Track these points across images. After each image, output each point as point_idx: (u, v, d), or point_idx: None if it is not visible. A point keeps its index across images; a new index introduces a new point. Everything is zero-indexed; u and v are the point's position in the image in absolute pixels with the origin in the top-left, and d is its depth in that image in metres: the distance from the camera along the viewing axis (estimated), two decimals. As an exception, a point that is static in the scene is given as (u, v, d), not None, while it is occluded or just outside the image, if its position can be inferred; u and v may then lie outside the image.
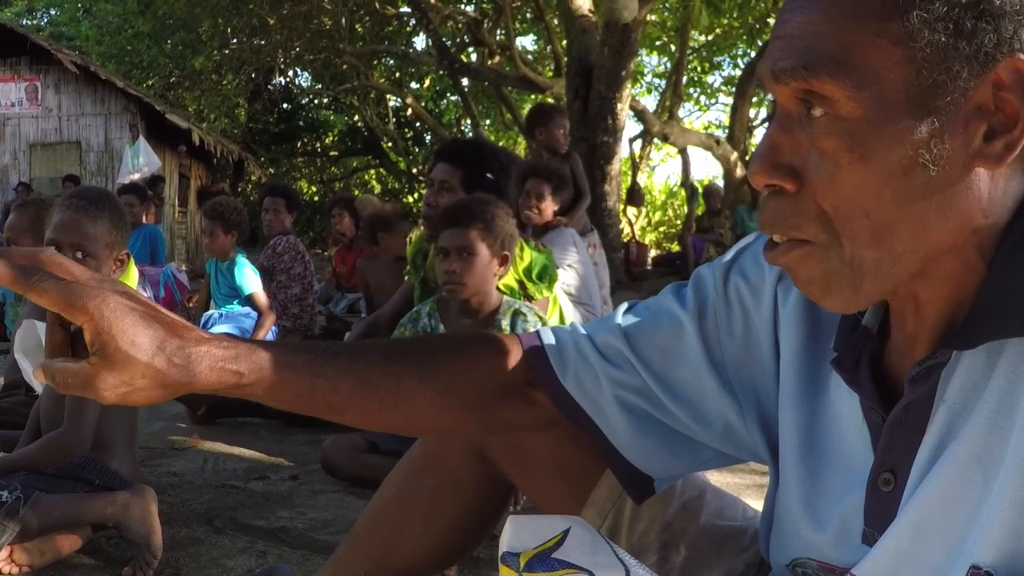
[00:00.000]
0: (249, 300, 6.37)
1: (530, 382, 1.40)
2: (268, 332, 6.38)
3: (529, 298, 3.84)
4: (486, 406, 1.40)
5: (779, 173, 1.02)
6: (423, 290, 4.23)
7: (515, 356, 1.41)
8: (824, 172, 0.98)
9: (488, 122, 28.25)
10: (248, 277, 6.38)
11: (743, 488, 3.54)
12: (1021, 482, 0.94)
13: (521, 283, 3.88)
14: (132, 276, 4.04)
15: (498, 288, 3.51)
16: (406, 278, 4.64)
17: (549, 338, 1.43)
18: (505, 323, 3.37)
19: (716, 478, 3.48)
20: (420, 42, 25.32)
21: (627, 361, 1.38)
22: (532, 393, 1.41)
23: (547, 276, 4.00)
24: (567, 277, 6.22)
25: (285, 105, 31.98)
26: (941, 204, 0.96)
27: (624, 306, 1.46)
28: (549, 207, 6.03)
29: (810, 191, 1.00)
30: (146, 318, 1.12)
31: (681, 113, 23.66)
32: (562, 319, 4.06)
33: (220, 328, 6.39)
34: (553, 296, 4.05)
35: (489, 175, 4.04)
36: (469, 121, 27.33)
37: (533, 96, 24.32)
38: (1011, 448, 0.95)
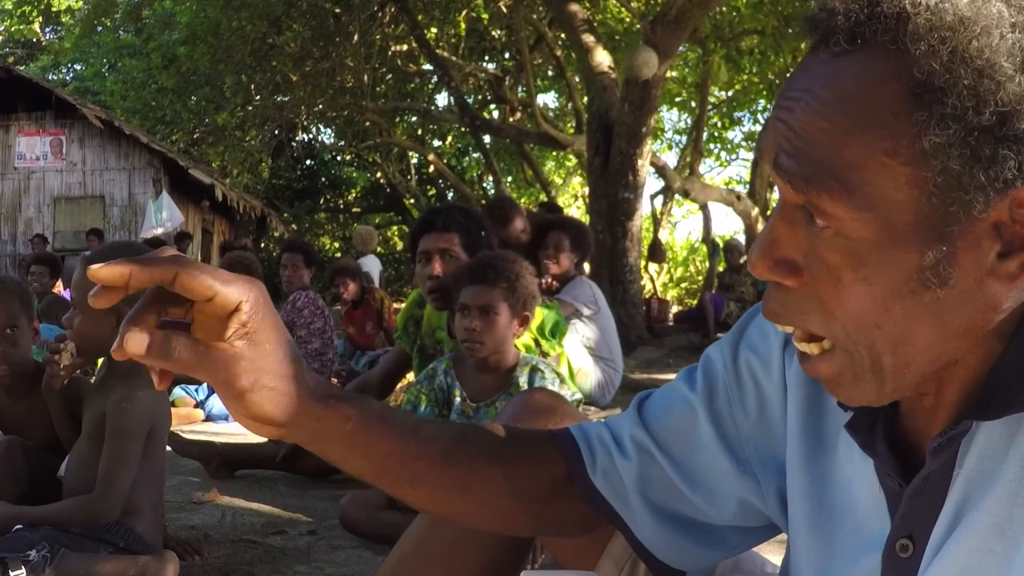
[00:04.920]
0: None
1: (569, 477, 1.38)
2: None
3: (544, 355, 3.83)
4: (541, 500, 1.37)
5: (780, 269, 0.98)
6: (422, 357, 4.20)
7: (553, 449, 1.39)
8: (828, 282, 0.95)
9: (510, 179, 28.35)
10: None
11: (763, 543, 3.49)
12: None
13: (536, 341, 3.86)
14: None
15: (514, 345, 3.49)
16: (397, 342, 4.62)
17: (578, 432, 1.41)
18: (523, 380, 3.35)
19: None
20: (442, 99, 25.60)
21: (647, 452, 1.36)
22: (572, 489, 1.38)
23: (558, 332, 3.99)
24: (586, 330, 6.22)
25: (308, 161, 32.21)
26: (952, 318, 0.92)
27: (639, 396, 1.44)
28: (567, 258, 6.19)
29: (814, 291, 0.96)
30: (283, 324, 1.11)
31: (702, 169, 23.71)
32: (571, 371, 4.05)
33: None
34: (562, 349, 4.04)
35: (483, 232, 4.03)
36: (491, 178, 27.43)
37: (555, 152, 24.45)
38: None
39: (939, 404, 1.03)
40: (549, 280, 6.30)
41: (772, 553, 1.73)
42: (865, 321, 0.94)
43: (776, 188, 1.00)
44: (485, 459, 1.31)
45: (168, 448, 4.05)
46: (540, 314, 3.91)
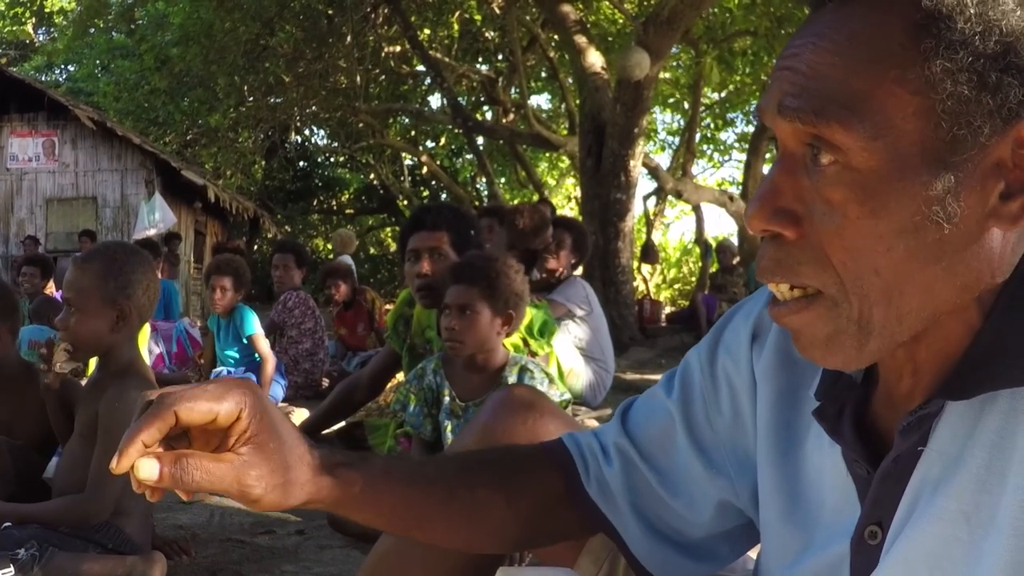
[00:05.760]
0: (250, 341, 6.41)
1: (566, 489, 1.40)
2: (270, 377, 6.41)
3: (532, 354, 3.83)
4: (544, 514, 1.40)
5: (779, 218, 0.97)
6: (411, 356, 4.21)
7: (549, 462, 1.42)
8: (831, 224, 0.94)
9: (503, 180, 28.35)
10: (254, 320, 6.44)
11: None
12: (1017, 544, 0.90)
13: (524, 341, 3.86)
14: (144, 331, 4.05)
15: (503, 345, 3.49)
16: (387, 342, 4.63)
17: (570, 443, 1.43)
18: (512, 379, 3.34)
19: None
20: (435, 101, 25.53)
21: (630, 460, 1.37)
22: (567, 500, 1.40)
23: (547, 331, 3.99)
24: (578, 331, 6.22)
25: (301, 163, 32.17)
26: (952, 264, 0.93)
27: (624, 405, 1.45)
28: (565, 257, 6.26)
29: (813, 239, 0.96)
30: (281, 415, 1.17)
31: (695, 170, 23.70)
32: (560, 372, 4.05)
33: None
34: (551, 349, 4.04)
35: (472, 232, 4.03)
36: (484, 179, 27.43)
37: (548, 154, 24.45)
38: (1003, 508, 0.92)
39: (915, 388, 1.03)
40: (544, 275, 6.31)
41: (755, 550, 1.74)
42: (864, 265, 0.94)
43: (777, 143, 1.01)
44: (487, 488, 1.35)
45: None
46: (529, 313, 3.90)
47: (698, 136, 22.92)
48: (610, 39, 17.71)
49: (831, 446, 1.12)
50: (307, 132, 30.57)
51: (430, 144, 29.39)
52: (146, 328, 4.10)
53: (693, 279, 23.55)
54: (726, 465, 1.32)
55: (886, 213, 0.92)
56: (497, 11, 18.80)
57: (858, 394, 1.09)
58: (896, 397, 1.06)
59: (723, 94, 22.18)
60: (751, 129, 22.96)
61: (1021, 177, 0.91)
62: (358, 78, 20.02)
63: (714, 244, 16.79)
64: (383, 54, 20.70)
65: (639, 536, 1.37)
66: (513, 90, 22.21)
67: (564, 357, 4.51)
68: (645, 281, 17.90)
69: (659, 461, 1.36)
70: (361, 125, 23.86)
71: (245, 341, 6.46)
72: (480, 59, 23.03)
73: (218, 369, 6.64)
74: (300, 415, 5.67)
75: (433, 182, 30.75)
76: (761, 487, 1.26)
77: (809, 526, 1.18)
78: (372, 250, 32.24)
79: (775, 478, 1.23)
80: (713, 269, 15.46)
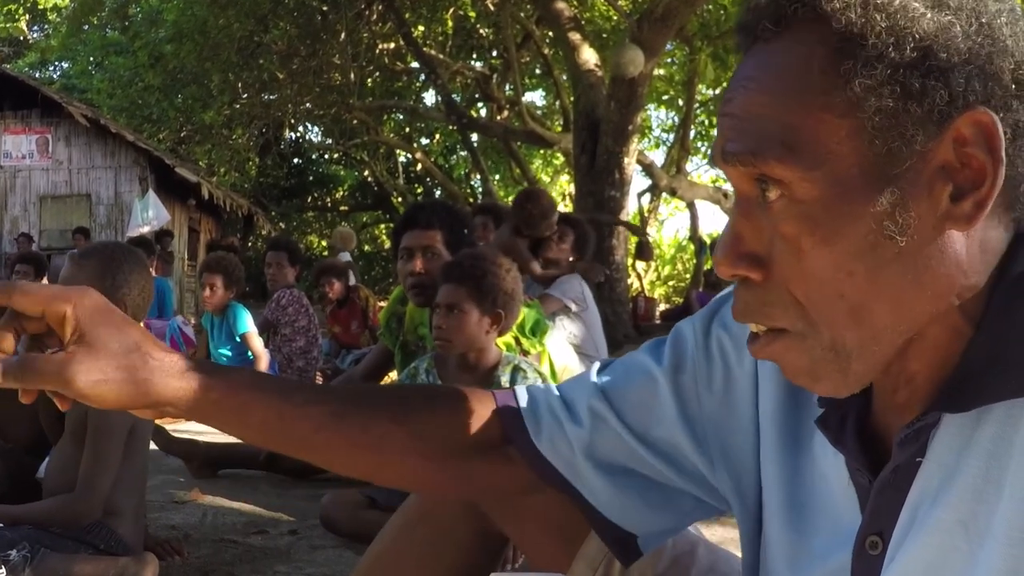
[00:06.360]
0: (244, 339, 6.41)
1: (506, 440, 1.37)
2: (264, 375, 6.41)
3: (525, 353, 3.82)
4: (461, 458, 1.36)
5: (743, 263, 0.98)
6: (404, 354, 4.20)
7: (489, 412, 1.38)
8: (790, 259, 0.95)
9: (497, 177, 28.35)
10: (247, 318, 6.45)
11: (736, 543, 3.50)
12: (1011, 552, 0.89)
13: (516, 339, 3.86)
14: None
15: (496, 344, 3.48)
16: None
17: (523, 398, 1.40)
18: (505, 379, 3.34)
19: (709, 532, 3.44)
20: (430, 97, 25.55)
21: (602, 419, 1.35)
22: (508, 451, 1.37)
23: (539, 330, 3.99)
24: (572, 327, 6.23)
25: (295, 160, 32.18)
26: (916, 274, 0.92)
27: (597, 364, 1.43)
28: (567, 252, 6.34)
29: (779, 278, 0.97)
30: (126, 318, 1.21)
31: (689, 167, 23.75)
32: (552, 370, 4.04)
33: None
34: (543, 348, 4.03)
35: (466, 230, 4.03)
36: (479, 176, 27.45)
37: (542, 151, 24.48)
38: (998, 517, 0.91)
39: (912, 398, 1.02)
40: (541, 260, 6.36)
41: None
42: (828, 292, 0.94)
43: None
44: (386, 417, 1.32)
45: (153, 446, 4.04)
46: (521, 313, 3.90)
47: (692, 133, 22.92)
48: (604, 36, 17.71)
49: (835, 454, 1.11)
50: (301, 129, 30.63)
51: (424, 141, 29.42)
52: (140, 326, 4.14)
53: (687, 276, 23.56)
54: (708, 443, 1.31)
55: (838, 239, 0.92)
56: (491, 8, 18.81)
57: (861, 401, 1.08)
58: (894, 408, 1.05)
59: (717, 91, 22.11)
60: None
61: (969, 175, 0.91)
62: (352, 75, 20.03)
63: (708, 241, 16.85)
64: (377, 51, 20.73)
65: (599, 486, 1.35)
66: (507, 87, 22.20)
67: (559, 355, 4.49)
68: (639, 278, 17.94)
69: (637, 426, 1.34)
70: (355, 122, 23.86)
71: (238, 339, 6.46)
72: (474, 56, 23.05)
73: (211, 367, 6.64)
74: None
75: (427, 179, 30.76)
76: (765, 484, 1.25)
77: (812, 534, 1.17)
78: (366, 247, 32.23)
79: (778, 480, 1.22)
80: (707, 266, 15.49)
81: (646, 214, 22.91)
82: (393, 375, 4.65)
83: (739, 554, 1.62)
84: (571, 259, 6.56)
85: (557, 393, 1.41)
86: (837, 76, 0.91)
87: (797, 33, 0.95)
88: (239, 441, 4.72)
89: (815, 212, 0.93)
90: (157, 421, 4.06)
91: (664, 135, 28.62)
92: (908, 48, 0.89)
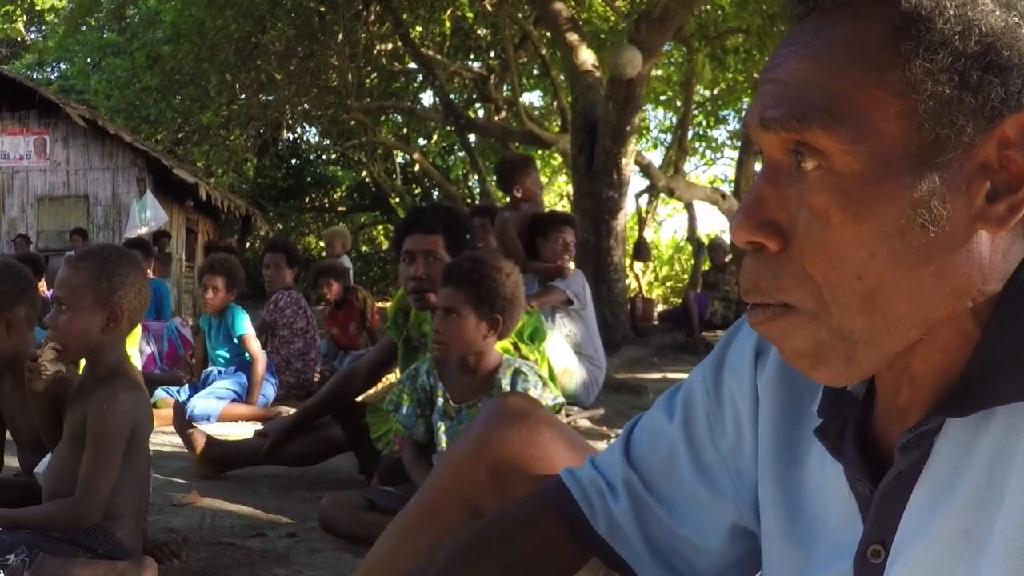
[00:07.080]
0: (241, 341, 6.40)
1: (568, 533, 1.40)
2: (260, 376, 6.41)
3: (523, 358, 3.82)
4: (550, 568, 1.41)
5: (763, 230, 0.96)
6: (407, 349, 4.20)
7: (551, 510, 1.41)
8: (814, 232, 0.93)
9: (495, 178, 28.31)
10: (245, 320, 6.45)
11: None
12: (1012, 563, 0.88)
13: (515, 345, 3.85)
14: (135, 331, 4.04)
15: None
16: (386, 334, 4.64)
17: (570, 481, 1.41)
18: (505, 382, 3.33)
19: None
20: (427, 98, 25.53)
21: (636, 493, 1.36)
22: (571, 541, 1.40)
23: (537, 337, 3.99)
24: (571, 325, 6.26)
25: (293, 160, 32.17)
26: (940, 268, 0.91)
27: (626, 429, 1.44)
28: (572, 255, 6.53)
29: (796, 251, 0.95)
30: None
31: (687, 168, 23.69)
32: (552, 373, 4.03)
33: (220, 384, 6.41)
34: (543, 354, 4.03)
35: (467, 235, 4.03)
36: (476, 176, 27.42)
37: (540, 151, 24.45)
38: (999, 526, 0.90)
39: (913, 400, 1.01)
40: (566, 259, 6.55)
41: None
42: (846, 271, 0.92)
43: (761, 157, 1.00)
44: (500, 572, 1.37)
45: (153, 446, 4.03)
46: (520, 319, 3.90)
47: (690, 133, 22.91)
48: (602, 36, 17.68)
49: (833, 463, 1.10)
50: (299, 130, 30.62)
51: (422, 142, 29.38)
52: (137, 328, 4.10)
53: (685, 277, 23.55)
54: (730, 485, 1.30)
55: (869, 217, 0.91)
56: (489, 8, 18.79)
57: (860, 411, 1.08)
58: (895, 412, 1.04)
59: (715, 91, 22.12)
60: (743, 126, 22.91)
61: (1006, 178, 0.90)
62: (350, 76, 20.02)
63: (706, 242, 16.80)
64: (375, 52, 20.70)
65: (654, 571, 1.35)
66: (505, 87, 22.17)
67: (558, 357, 4.50)
68: (637, 279, 17.92)
69: (665, 491, 1.34)
70: (353, 123, 23.86)
71: (236, 341, 6.45)
72: (472, 56, 23.02)
73: (209, 369, 6.63)
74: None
75: (425, 180, 30.74)
76: (762, 503, 1.24)
77: (811, 544, 1.16)
78: (364, 248, 32.22)
79: (777, 494, 1.21)
80: (705, 267, 15.48)
81: (644, 215, 22.90)
82: (397, 372, 4.64)
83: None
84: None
85: (596, 469, 1.42)
86: (897, 55, 0.90)
87: (859, 7, 0.94)
88: (241, 439, 4.72)
89: (851, 187, 0.92)
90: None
91: (662, 136, 28.64)
92: (973, 40, 0.89)
